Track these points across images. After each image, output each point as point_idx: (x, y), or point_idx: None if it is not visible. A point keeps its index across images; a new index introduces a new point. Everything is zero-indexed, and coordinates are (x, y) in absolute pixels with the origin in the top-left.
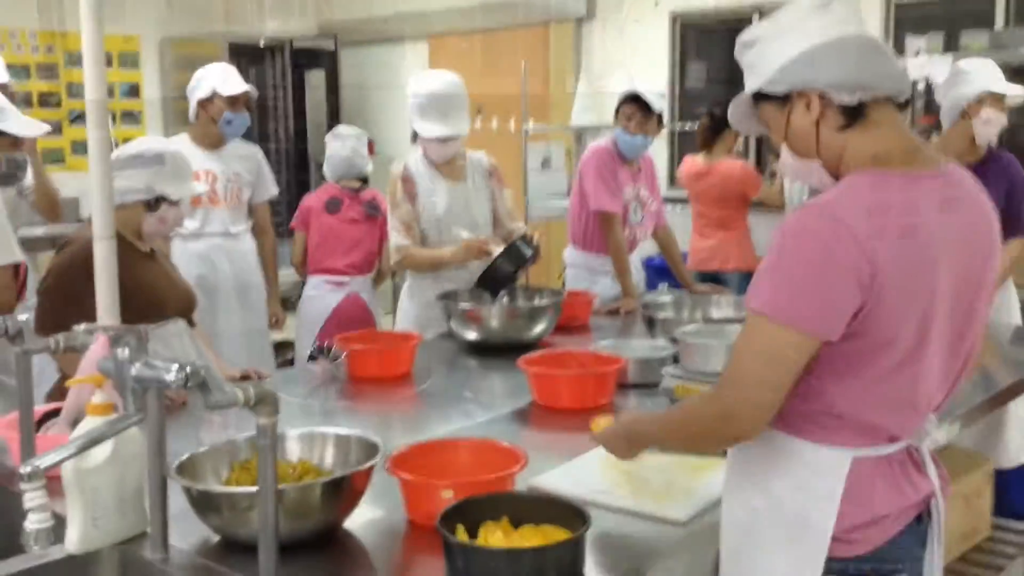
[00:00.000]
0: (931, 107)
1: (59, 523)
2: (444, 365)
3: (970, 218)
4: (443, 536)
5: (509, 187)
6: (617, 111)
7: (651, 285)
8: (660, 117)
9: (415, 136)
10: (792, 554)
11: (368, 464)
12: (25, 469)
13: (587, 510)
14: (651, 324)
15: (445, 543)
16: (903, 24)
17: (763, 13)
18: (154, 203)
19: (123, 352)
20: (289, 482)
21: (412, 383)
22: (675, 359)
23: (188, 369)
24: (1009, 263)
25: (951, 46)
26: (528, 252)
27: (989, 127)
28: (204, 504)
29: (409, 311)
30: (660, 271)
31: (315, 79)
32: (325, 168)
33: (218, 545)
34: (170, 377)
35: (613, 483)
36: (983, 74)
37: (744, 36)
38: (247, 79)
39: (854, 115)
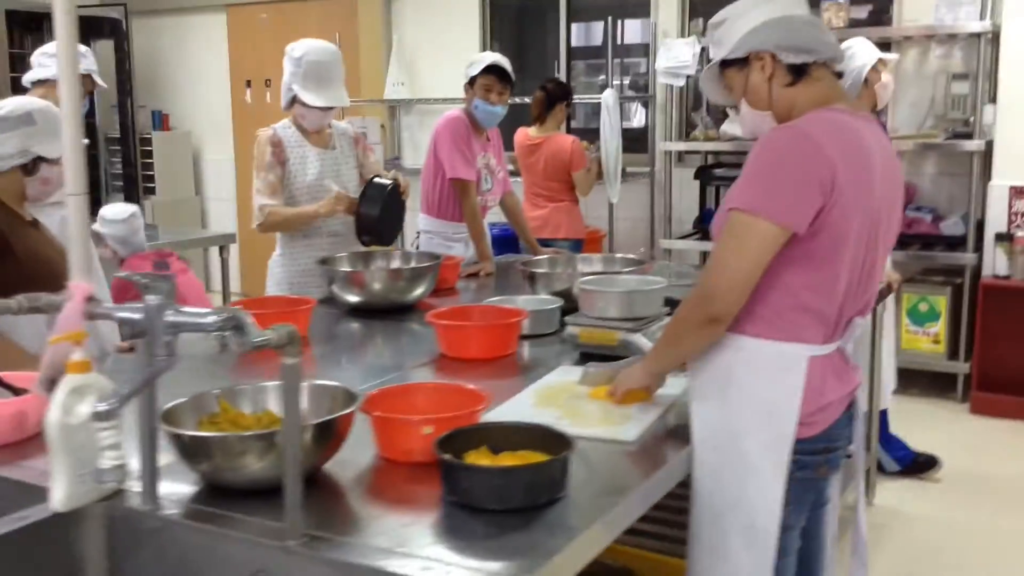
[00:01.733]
0: None
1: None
2: (333, 328)
3: (891, 159)
4: (445, 462)
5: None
6: (472, 82)
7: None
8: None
9: (292, 102)
10: (764, 436)
11: (351, 408)
12: (101, 407)
13: (570, 437)
14: (532, 280)
15: (448, 467)
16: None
17: None
18: (32, 165)
19: (155, 299)
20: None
21: (310, 346)
22: (563, 311)
23: (224, 314)
24: None
25: None
26: (387, 183)
27: (887, 90)
28: (196, 450)
29: (282, 278)
30: (497, 241)
31: (103, 50)
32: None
33: (204, 491)
34: (208, 320)
35: (554, 417)
36: (865, 46)
37: (714, 19)
38: (24, 48)
39: (799, 73)
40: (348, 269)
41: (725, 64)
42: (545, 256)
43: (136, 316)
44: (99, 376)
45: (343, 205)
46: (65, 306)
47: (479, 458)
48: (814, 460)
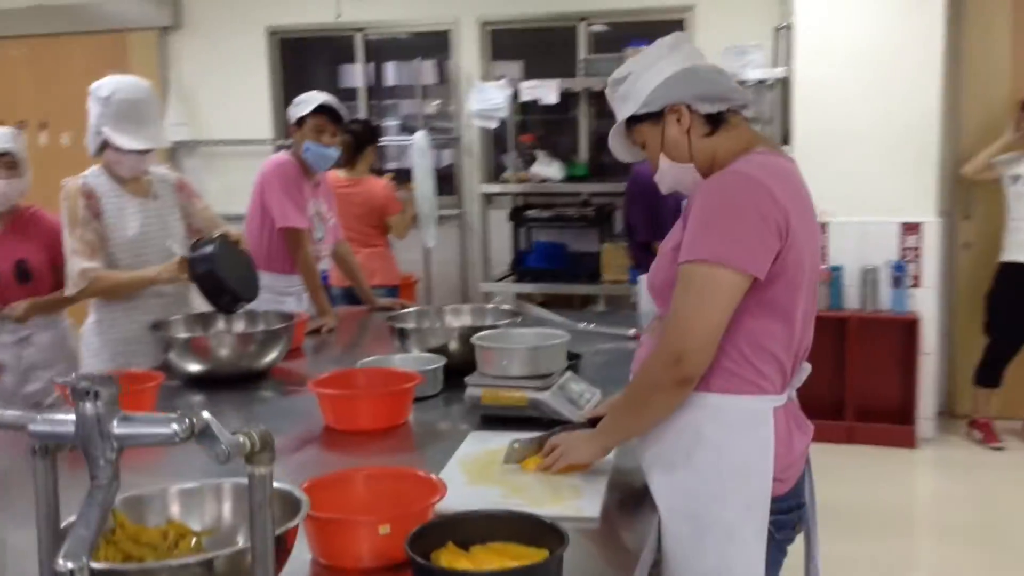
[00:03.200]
0: (528, 126)
1: None
2: (173, 403)
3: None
4: (426, 569)
5: (201, 200)
6: (301, 123)
7: None
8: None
9: (102, 147)
10: (741, 499)
11: (299, 515)
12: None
13: (558, 524)
14: (403, 336)
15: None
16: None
17: (360, 30)
18: None
19: (93, 407)
20: (163, 549)
21: None
22: (444, 369)
23: (190, 419)
24: None
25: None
26: (208, 248)
27: None
28: None
29: (100, 348)
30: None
31: None
32: None
33: None
34: (171, 430)
35: (499, 495)
36: None
37: (616, 75)
38: None
39: (716, 122)
40: (187, 335)
41: (635, 120)
42: (412, 310)
43: (64, 430)
44: None
45: (187, 271)
46: None
47: (454, 559)
48: (789, 519)
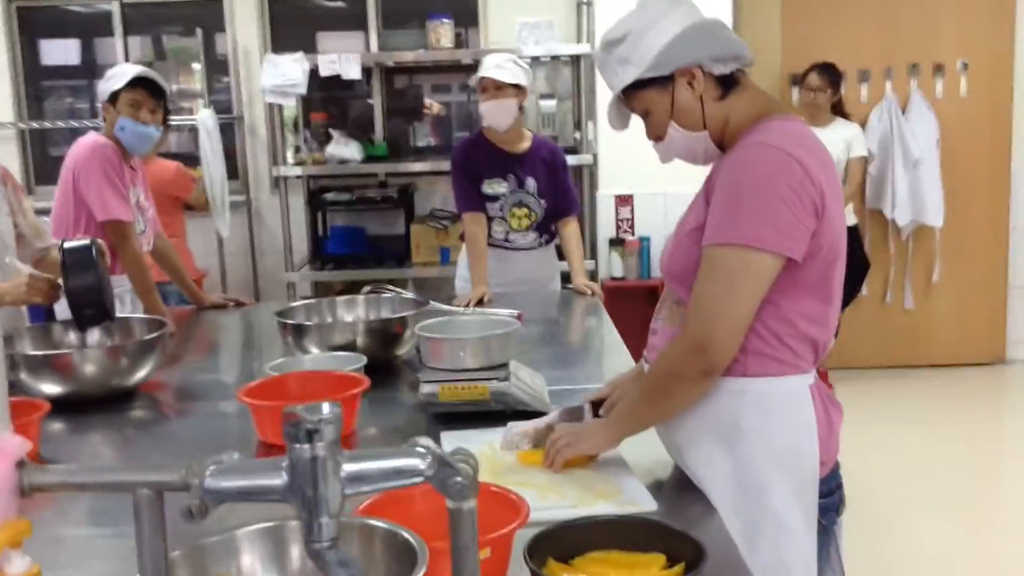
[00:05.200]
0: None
1: None
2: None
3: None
4: None
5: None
6: (114, 99)
7: None
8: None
9: None
10: (788, 486)
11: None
12: None
13: (692, 534)
14: (299, 334)
15: None
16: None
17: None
18: None
19: (310, 448)
20: None
21: (46, 461)
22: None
23: (429, 449)
24: None
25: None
26: (86, 243)
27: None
28: None
29: None
30: None
31: None
32: None
33: None
34: (414, 464)
35: (537, 497)
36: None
37: (610, 35)
38: None
39: (729, 84)
40: (38, 352)
41: (636, 86)
42: (298, 303)
43: (272, 482)
44: None
45: (40, 295)
46: None
47: (571, 572)
48: (832, 502)
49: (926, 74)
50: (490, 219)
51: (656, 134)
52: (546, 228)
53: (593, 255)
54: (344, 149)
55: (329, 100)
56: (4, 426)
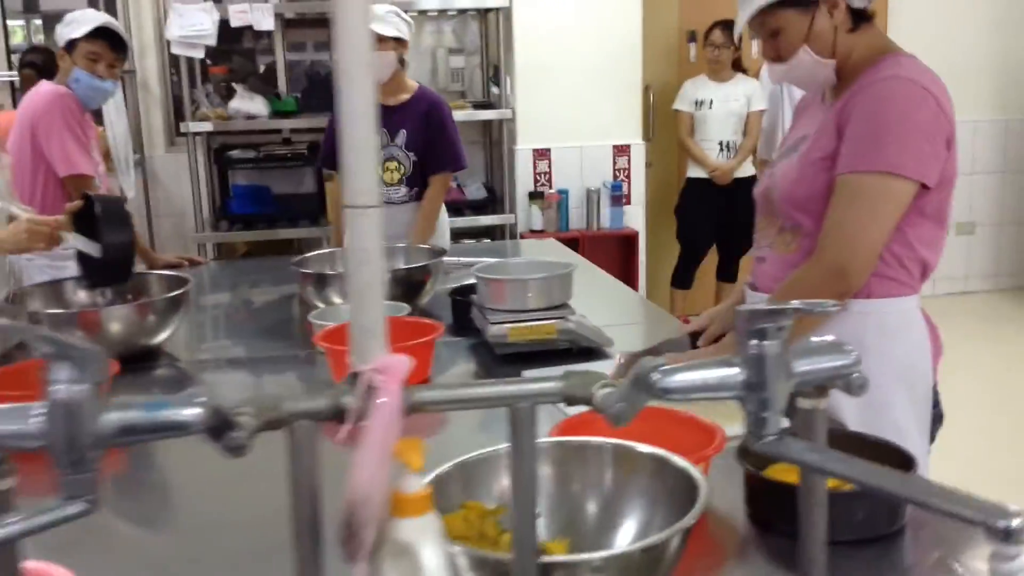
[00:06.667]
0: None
1: None
2: None
3: None
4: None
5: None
6: (71, 47)
7: None
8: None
9: None
10: (908, 400)
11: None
12: None
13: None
14: (321, 283)
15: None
16: None
17: None
18: None
19: None
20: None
21: None
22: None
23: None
24: None
25: None
26: (118, 196)
27: None
28: None
29: None
30: None
31: None
32: None
33: None
34: None
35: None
36: None
37: None
38: None
39: (861, 17)
40: (65, 309)
41: (780, 4)
42: (312, 254)
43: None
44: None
45: (41, 239)
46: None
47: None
48: (937, 413)
49: None
50: None
51: (780, 55)
52: (419, 182)
53: (512, 209)
54: (250, 104)
55: (225, 53)
56: (384, 346)
